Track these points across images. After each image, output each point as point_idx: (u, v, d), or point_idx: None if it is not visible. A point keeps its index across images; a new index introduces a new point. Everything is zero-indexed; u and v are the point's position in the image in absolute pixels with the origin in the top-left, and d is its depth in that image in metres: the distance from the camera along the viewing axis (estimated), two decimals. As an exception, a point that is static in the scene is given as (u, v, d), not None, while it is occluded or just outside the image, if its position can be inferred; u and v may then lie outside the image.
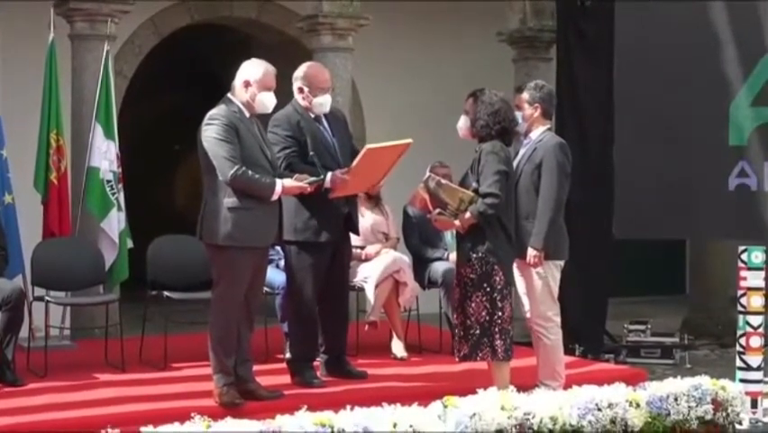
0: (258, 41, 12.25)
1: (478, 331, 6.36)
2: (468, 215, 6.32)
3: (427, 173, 6.54)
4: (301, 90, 6.92)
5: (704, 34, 8.89)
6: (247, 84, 6.37)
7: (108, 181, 8.62)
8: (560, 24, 10.56)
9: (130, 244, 8.74)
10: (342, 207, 6.92)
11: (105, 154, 8.65)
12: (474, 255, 6.35)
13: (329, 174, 6.69)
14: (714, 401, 6.07)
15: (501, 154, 6.36)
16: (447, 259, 8.18)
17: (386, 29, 11.24)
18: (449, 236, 8.28)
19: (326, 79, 6.98)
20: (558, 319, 6.82)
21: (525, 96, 6.89)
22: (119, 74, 10.61)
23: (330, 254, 6.95)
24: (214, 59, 13.50)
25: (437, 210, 6.43)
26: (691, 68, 8.91)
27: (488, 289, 6.33)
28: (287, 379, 6.99)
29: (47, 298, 7.58)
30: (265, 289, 7.18)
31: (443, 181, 6.47)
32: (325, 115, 7.00)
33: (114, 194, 8.62)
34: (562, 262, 6.90)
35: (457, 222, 6.38)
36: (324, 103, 6.92)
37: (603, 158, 9.75)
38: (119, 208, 8.64)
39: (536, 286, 6.74)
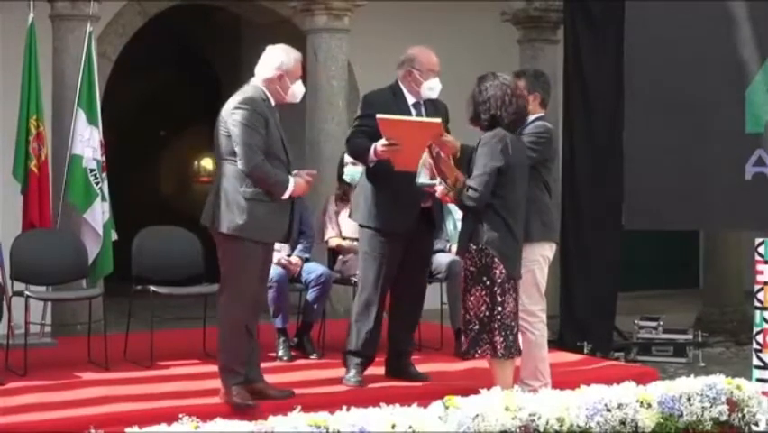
0: (248, 22, 12.18)
1: (477, 326, 6.34)
2: (453, 195, 6.38)
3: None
4: (410, 73, 6.99)
5: (718, 13, 8.86)
6: (280, 74, 6.43)
7: (92, 170, 8.60)
8: (567, 3, 10.56)
9: (114, 235, 8.73)
10: (421, 199, 6.87)
11: (87, 141, 8.64)
12: (474, 247, 6.36)
13: (371, 146, 6.77)
14: (729, 402, 6.07)
15: (497, 147, 6.33)
16: (449, 251, 8.19)
17: (384, 8, 11.20)
18: (450, 227, 8.28)
19: (436, 62, 7.06)
20: (544, 316, 6.76)
21: (524, 83, 6.89)
22: (102, 56, 10.57)
23: (403, 247, 6.95)
24: (202, 40, 13.48)
25: (439, 179, 6.45)
26: (705, 49, 8.89)
27: (487, 282, 6.32)
28: (280, 378, 7.00)
29: (27, 293, 7.59)
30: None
31: (442, 155, 6.49)
32: (425, 105, 7.04)
33: (97, 183, 8.60)
34: (551, 254, 6.84)
35: (452, 196, 6.43)
36: (433, 87, 7.00)
37: (612, 145, 9.75)
38: (103, 198, 8.62)
39: (522, 277, 6.68)
